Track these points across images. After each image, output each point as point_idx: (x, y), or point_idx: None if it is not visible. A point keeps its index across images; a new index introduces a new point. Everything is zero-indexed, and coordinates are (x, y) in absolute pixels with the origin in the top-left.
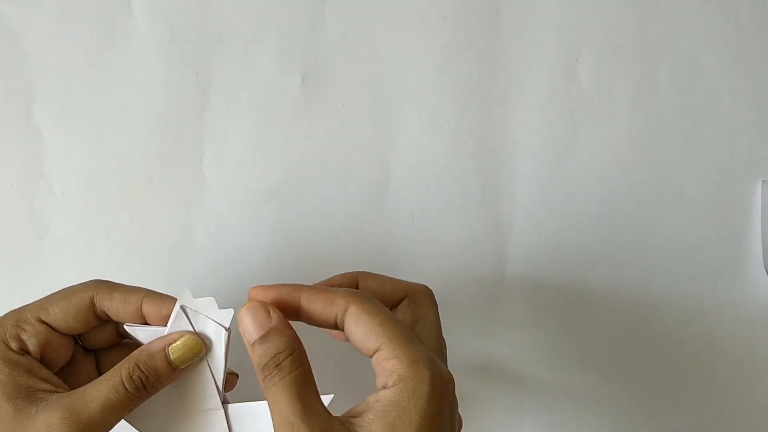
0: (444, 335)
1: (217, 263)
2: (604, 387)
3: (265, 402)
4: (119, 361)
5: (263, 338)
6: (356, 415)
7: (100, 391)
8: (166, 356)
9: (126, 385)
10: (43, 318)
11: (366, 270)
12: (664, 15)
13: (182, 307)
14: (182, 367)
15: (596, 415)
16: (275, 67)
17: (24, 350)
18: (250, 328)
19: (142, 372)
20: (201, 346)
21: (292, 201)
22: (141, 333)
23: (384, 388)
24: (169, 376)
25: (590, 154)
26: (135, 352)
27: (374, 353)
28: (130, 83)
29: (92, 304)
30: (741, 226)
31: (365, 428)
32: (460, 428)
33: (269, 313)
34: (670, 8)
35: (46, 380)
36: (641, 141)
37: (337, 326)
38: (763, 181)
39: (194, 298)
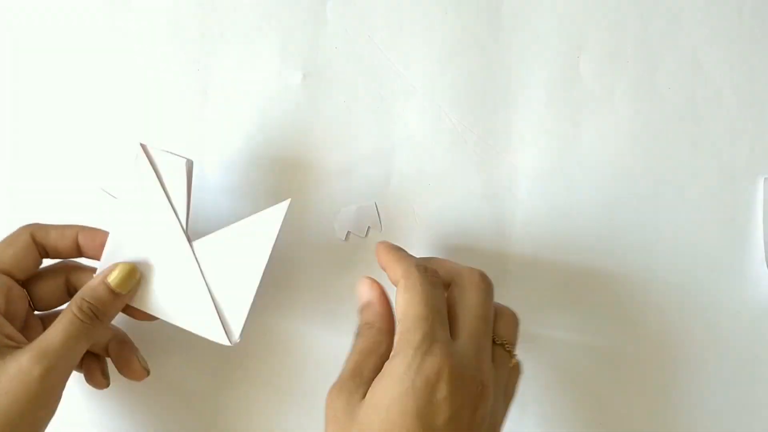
0: None
1: None
2: (605, 385)
3: (230, 227)
4: None
5: (360, 308)
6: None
7: (58, 328)
8: (107, 286)
9: (78, 315)
10: (0, 268)
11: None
12: (665, 11)
13: (142, 146)
14: (124, 292)
15: (598, 411)
16: (276, 63)
17: None
18: (360, 295)
19: (89, 303)
20: (135, 269)
21: (292, 197)
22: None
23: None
24: (113, 302)
25: (592, 151)
26: (78, 292)
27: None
28: (130, 79)
29: (34, 242)
30: (742, 223)
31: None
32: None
33: (370, 287)
34: (671, 4)
35: (9, 337)
36: (642, 137)
37: None
38: (765, 178)
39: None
